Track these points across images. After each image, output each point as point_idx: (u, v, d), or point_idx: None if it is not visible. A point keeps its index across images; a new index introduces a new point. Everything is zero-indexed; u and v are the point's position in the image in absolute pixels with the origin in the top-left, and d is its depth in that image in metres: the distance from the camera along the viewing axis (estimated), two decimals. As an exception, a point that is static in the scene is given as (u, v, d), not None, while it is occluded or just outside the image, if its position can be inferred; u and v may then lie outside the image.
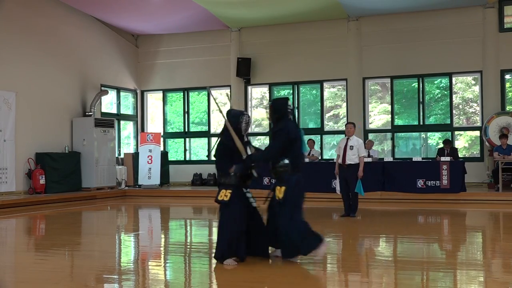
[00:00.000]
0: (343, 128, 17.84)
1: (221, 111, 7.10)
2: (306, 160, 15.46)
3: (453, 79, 16.99)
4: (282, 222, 6.51)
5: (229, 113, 6.91)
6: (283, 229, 6.51)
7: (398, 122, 17.55)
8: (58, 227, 10.62)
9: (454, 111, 16.94)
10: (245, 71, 18.16)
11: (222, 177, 6.72)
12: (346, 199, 11.02)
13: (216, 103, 7.51)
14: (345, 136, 11.17)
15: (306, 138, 16.94)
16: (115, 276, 6.30)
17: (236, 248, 6.54)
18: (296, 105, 18.17)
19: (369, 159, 14.85)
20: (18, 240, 9.70)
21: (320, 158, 16.76)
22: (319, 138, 17.92)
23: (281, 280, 6.02)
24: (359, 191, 10.82)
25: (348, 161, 10.84)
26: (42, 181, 15.31)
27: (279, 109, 6.72)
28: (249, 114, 7.11)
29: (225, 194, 6.61)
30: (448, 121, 16.83)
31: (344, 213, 10.99)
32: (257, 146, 7.12)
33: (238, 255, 6.55)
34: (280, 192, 6.55)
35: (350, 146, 10.89)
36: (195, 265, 6.83)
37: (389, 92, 17.54)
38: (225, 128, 6.76)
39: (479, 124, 16.60)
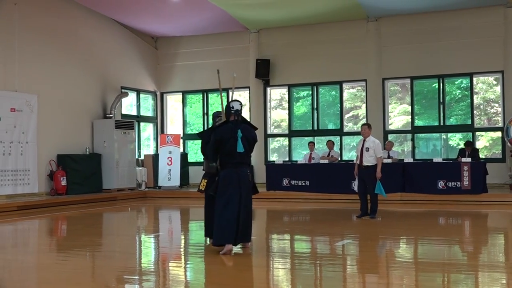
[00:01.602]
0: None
1: (221, 96, 8.80)
2: (325, 161, 15.44)
3: (474, 79, 16.82)
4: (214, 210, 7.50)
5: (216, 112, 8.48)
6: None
7: (418, 123, 17.43)
8: (79, 228, 10.72)
9: (475, 112, 16.77)
10: (264, 72, 18.17)
11: (205, 166, 8.01)
12: (363, 200, 10.99)
13: (220, 88, 8.66)
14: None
15: (325, 139, 17.07)
16: (136, 277, 6.34)
17: (208, 230, 7.95)
18: (316, 106, 18.13)
19: (389, 160, 14.77)
20: (40, 241, 9.80)
21: (339, 159, 16.70)
22: (339, 139, 17.86)
23: (300, 281, 6.01)
24: (380, 192, 10.77)
25: (365, 163, 10.81)
26: (64, 182, 15.46)
27: (225, 111, 7.67)
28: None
29: (203, 184, 8.01)
30: (469, 122, 16.68)
31: (361, 214, 10.96)
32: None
33: (209, 236, 7.95)
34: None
35: (366, 148, 10.85)
36: (215, 266, 6.84)
37: (409, 93, 17.42)
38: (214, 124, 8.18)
39: (500, 124, 16.41)
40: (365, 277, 6.21)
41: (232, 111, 7.45)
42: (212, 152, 7.44)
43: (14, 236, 10.29)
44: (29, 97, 14.91)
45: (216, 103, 19.85)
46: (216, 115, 8.27)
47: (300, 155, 17.93)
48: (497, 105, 17.11)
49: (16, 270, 6.85)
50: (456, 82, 17.30)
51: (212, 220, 7.74)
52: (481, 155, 16.02)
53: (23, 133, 14.75)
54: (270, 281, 6.10)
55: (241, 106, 7.54)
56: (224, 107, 7.90)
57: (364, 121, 17.52)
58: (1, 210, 12.96)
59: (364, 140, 10.94)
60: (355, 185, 11.34)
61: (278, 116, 19.47)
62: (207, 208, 8.04)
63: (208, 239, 8.14)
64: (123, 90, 18.34)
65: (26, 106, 14.83)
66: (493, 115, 17.35)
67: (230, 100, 7.76)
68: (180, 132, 19.72)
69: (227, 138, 7.28)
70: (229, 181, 7.27)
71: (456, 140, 17.51)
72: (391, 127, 17.79)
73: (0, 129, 14.14)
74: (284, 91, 19.03)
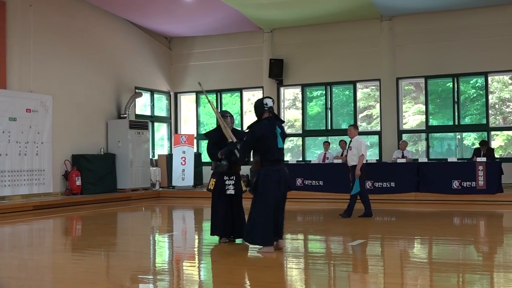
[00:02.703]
0: (376, 128, 17.78)
1: (212, 106, 8.69)
2: (338, 161, 15.39)
3: (489, 78, 16.70)
4: (250, 208, 7.40)
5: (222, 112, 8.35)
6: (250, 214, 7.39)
7: (433, 122, 17.34)
8: (94, 227, 10.78)
9: (490, 111, 16.65)
10: (277, 72, 18.17)
11: (213, 165, 8.09)
12: (364, 200, 11.03)
13: (209, 101, 8.82)
14: None
15: (338, 138, 17.03)
16: (150, 277, 6.37)
17: (217, 229, 8.04)
18: (329, 106, 18.10)
19: (403, 160, 14.74)
20: (55, 240, 9.87)
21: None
22: (353, 139, 17.79)
23: (314, 281, 6.01)
24: (354, 191, 10.78)
25: (350, 162, 10.93)
26: (78, 182, 15.57)
27: (256, 108, 7.51)
28: (232, 114, 8.38)
29: (211, 183, 8.09)
30: (484, 121, 16.56)
31: (363, 214, 10.99)
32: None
33: (219, 235, 8.07)
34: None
35: (350, 147, 11.07)
36: (229, 266, 6.86)
37: (423, 92, 17.34)
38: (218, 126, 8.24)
39: (516, 123, 16.30)
40: (379, 277, 6.19)
41: (266, 108, 7.40)
42: (248, 149, 7.43)
43: (29, 235, 10.38)
44: (44, 97, 15.02)
45: (230, 103, 19.90)
46: (222, 114, 8.20)
47: (314, 155, 17.91)
48: (512, 104, 16.98)
49: (31, 270, 6.91)
50: (471, 81, 17.19)
51: (223, 219, 7.98)
52: (496, 155, 15.89)
53: (39, 133, 14.86)
54: (284, 281, 6.10)
55: (273, 103, 7.51)
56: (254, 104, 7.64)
57: (378, 120, 17.48)
58: (17, 209, 13.09)
59: (350, 141, 11.16)
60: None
61: (291, 116, 19.46)
62: (217, 207, 8.09)
63: (219, 238, 8.18)
64: (137, 90, 18.42)
65: (41, 106, 14.94)
66: (509, 114, 17.22)
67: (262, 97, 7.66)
68: (193, 132, 19.77)
69: (268, 135, 7.24)
70: (270, 179, 7.23)
71: (471, 139, 17.40)
72: (406, 127, 17.72)
73: (16, 129, 14.27)
74: (297, 91, 19.02)
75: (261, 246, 7.27)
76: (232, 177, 8.04)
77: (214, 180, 8.07)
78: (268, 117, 7.38)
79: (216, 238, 8.22)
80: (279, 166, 7.33)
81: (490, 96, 16.75)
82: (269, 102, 7.41)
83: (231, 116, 8.28)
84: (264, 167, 7.29)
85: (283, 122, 7.71)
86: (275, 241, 7.34)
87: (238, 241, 8.11)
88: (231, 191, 7.99)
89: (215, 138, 8.18)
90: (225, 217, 8.00)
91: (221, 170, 7.98)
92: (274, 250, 7.24)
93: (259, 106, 7.47)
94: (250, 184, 8.06)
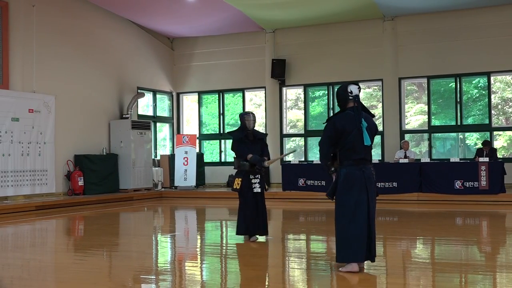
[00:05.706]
0: (379, 128, 17.72)
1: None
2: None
3: (492, 78, 16.68)
4: (335, 221, 6.20)
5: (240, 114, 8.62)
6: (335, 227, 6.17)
7: (435, 122, 17.32)
8: (96, 228, 10.79)
9: (492, 111, 16.63)
10: (280, 72, 18.17)
11: (236, 164, 8.22)
12: None
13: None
14: None
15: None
16: (152, 277, 6.37)
17: (244, 228, 8.20)
18: (331, 106, 18.09)
19: (406, 160, 14.72)
20: (57, 240, 9.88)
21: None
22: (355, 139, 17.77)
23: (316, 282, 6.00)
24: None
25: None
26: (81, 182, 15.59)
27: (339, 97, 6.33)
28: (254, 114, 8.52)
29: (237, 183, 8.21)
30: (487, 121, 16.53)
31: None
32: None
33: (246, 233, 8.21)
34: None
35: None
36: (231, 266, 6.86)
37: (426, 92, 17.32)
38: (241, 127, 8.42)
39: (519, 124, 16.27)
40: (381, 277, 6.18)
41: (350, 97, 6.15)
42: (328, 146, 6.14)
43: (32, 235, 10.39)
44: (46, 98, 15.05)
45: (232, 103, 19.89)
46: (245, 113, 8.46)
47: (316, 155, 17.90)
48: (515, 104, 16.95)
49: (34, 270, 6.92)
50: (474, 81, 17.16)
51: (250, 218, 8.09)
52: (499, 155, 15.88)
53: (41, 133, 14.88)
54: (286, 282, 6.10)
55: (360, 90, 6.26)
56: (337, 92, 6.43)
57: (380, 120, 17.46)
58: (20, 210, 13.12)
59: None
60: None
61: (294, 116, 19.46)
62: (245, 206, 8.22)
63: (244, 237, 8.35)
64: (139, 91, 18.44)
65: (44, 107, 14.96)
66: (511, 115, 17.18)
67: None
68: (196, 132, 19.79)
69: (351, 129, 6.02)
70: (354, 181, 6.02)
71: (474, 139, 17.37)
72: (408, 127, 17.70)
73: (18, 129, 14.29)
74: (299, 91, 19.01)
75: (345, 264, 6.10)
76: (257, 176, 8.24)
77: (240, 179, 8.23)
78: (353, 107, 6.13)
79: (218, 238, 8.22)
80: (363, 166, 6.08)
81: (492, 96, 16.73)
82: (354, 89, 6.16)
83: (250, 115, 8.40)
84: (345, 167, 6.08)
85: (373, 116, 6.42)
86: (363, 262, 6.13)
87: (261, 239, 8.28)
88: (257, 189, 8.19)
89: (239, 136, 8.33)
90: (252, 215, 8.17)
91: (245, 168, 8.15)
92: (358, 269, 6.05)
93: (341, 94, 6.25)
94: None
